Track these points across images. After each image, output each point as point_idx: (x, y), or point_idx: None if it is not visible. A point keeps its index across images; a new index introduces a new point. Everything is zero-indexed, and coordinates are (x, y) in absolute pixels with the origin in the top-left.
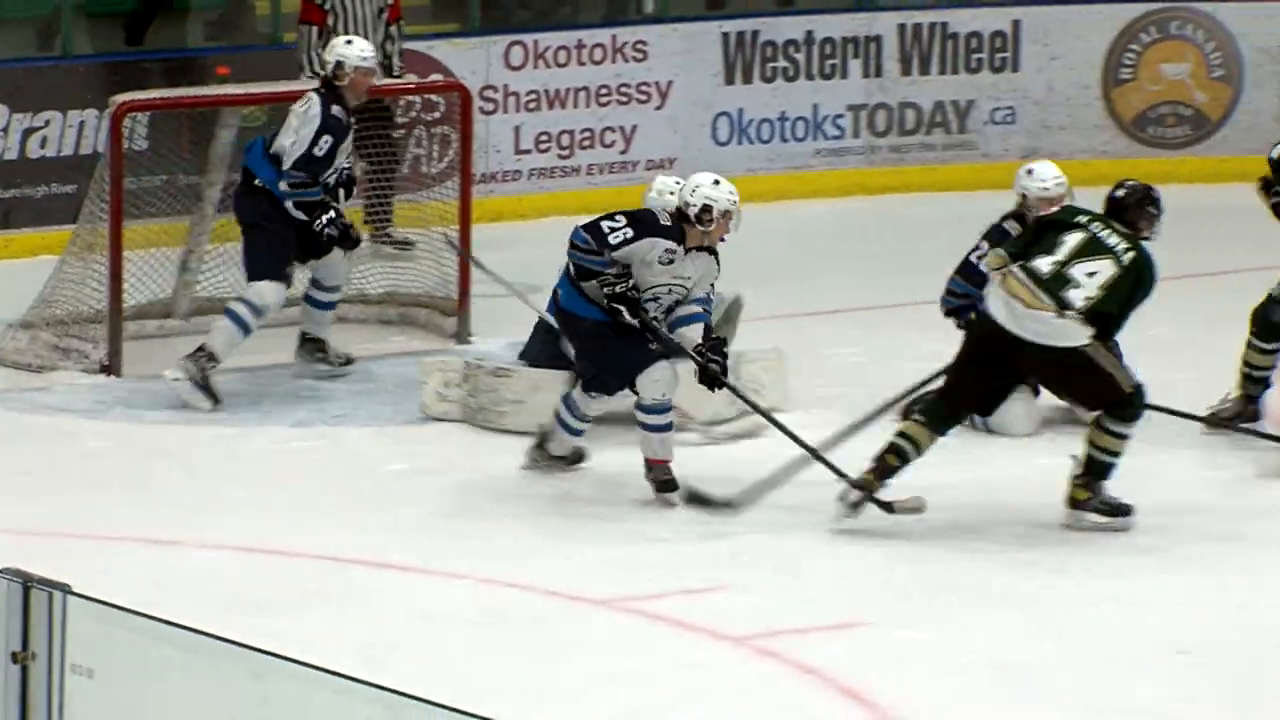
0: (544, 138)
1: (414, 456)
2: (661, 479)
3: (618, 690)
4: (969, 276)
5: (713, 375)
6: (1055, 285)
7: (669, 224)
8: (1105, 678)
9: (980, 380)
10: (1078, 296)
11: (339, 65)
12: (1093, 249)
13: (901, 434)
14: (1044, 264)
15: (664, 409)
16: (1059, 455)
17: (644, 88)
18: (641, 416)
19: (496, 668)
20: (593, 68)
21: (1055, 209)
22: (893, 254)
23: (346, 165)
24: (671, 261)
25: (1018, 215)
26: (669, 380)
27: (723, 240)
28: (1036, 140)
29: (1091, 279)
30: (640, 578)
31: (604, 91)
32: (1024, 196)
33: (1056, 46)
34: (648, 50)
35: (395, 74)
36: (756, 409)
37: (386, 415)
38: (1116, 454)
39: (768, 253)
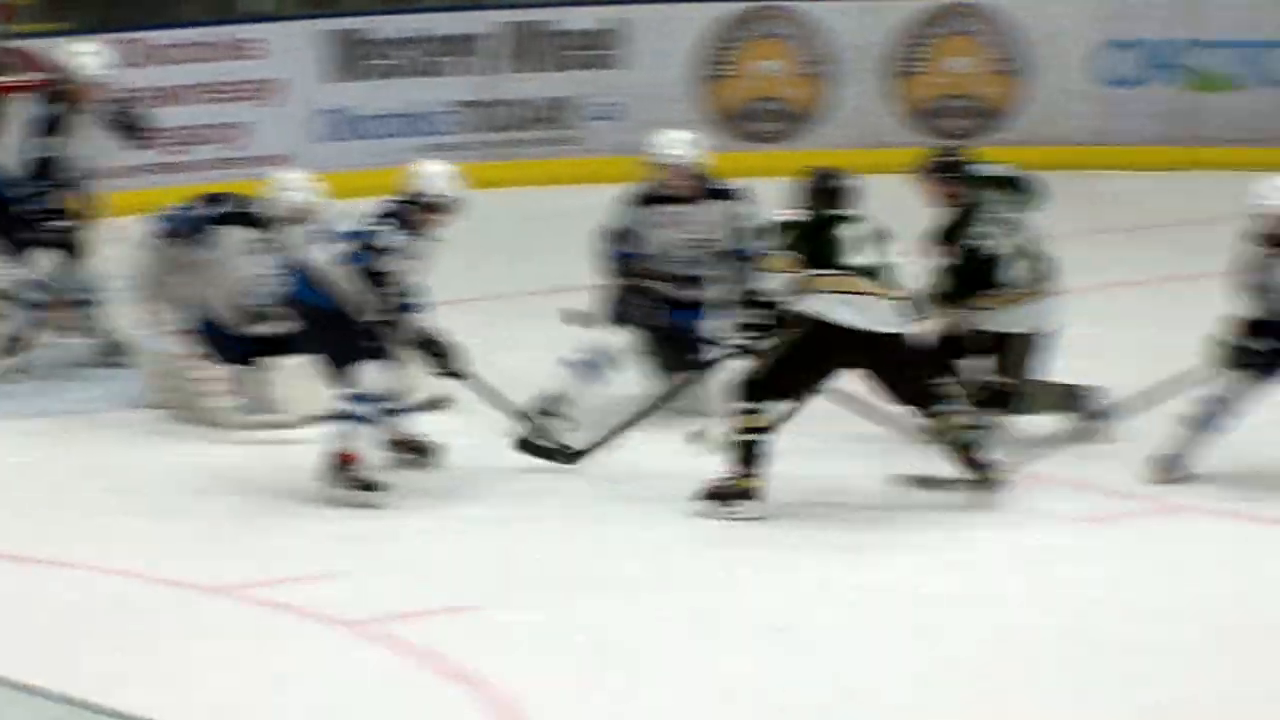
0: (157, 134)
1: (33, 448)
2: (358, 477)
3: (225, 674)
4: (622, 240)
5: (454, 367)
6: (884, 273)
7: (415, 219)
8: (700, 655)
9: (810, 383)
10: (902, 276)
11: (69, 70)
12: (879, 233)
13: (751, 429)
14: (858, 257)
15: (375, 400)
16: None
17: (256, 85)
18: (350, 406)
19: (105, 655)
20: (205, 64)
21: (685, 180)
22: (503, 246)
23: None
24: (412, 255)
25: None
26: (387, 374)
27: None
28: (639, 135)
29: (898, 258)
30: (260, 564)
31: (217, 88)
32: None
33: (657, 44)
34: (259, 48)
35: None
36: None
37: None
38: (969, 425)
39: None
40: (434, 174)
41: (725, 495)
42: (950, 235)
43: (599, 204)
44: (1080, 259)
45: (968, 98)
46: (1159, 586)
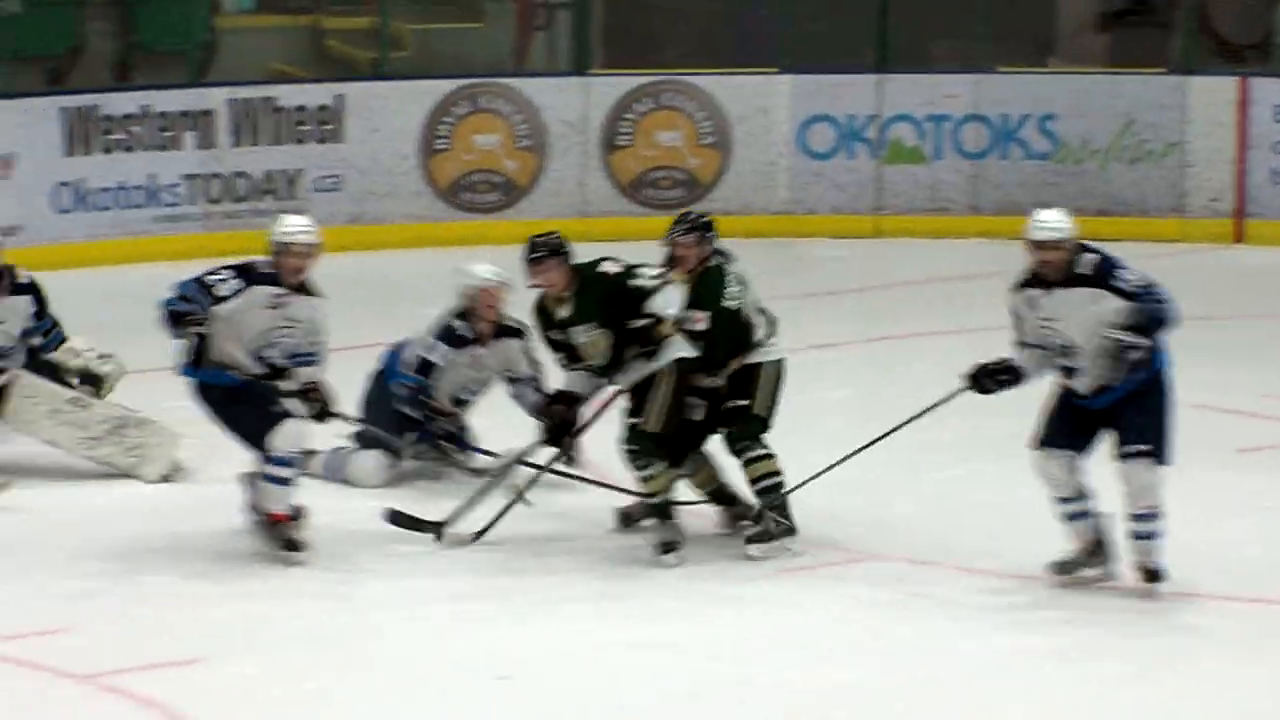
0: None
1: None
2: (285, 536)
3: None
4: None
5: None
6: None
7: (282, 268)
8: (406, 705)
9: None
10: None
11: None
12: None
13: (663, 486)
14: None
15: (291, 462)
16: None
17: None
18: (270, 469)
19: None
20: None
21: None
22: None
23: None
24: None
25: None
26: (301, 435)
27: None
28: (361, 206)
29: None
30: None
31: None
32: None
33: (377, 119)
34: None
35: None
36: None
37: None
38: None
39: (110, 313)
40: (292, 223)
41: (668, 546)
42: (706, 298)
43: (322, 271)
44: (780, 322)
45: (674, 169)
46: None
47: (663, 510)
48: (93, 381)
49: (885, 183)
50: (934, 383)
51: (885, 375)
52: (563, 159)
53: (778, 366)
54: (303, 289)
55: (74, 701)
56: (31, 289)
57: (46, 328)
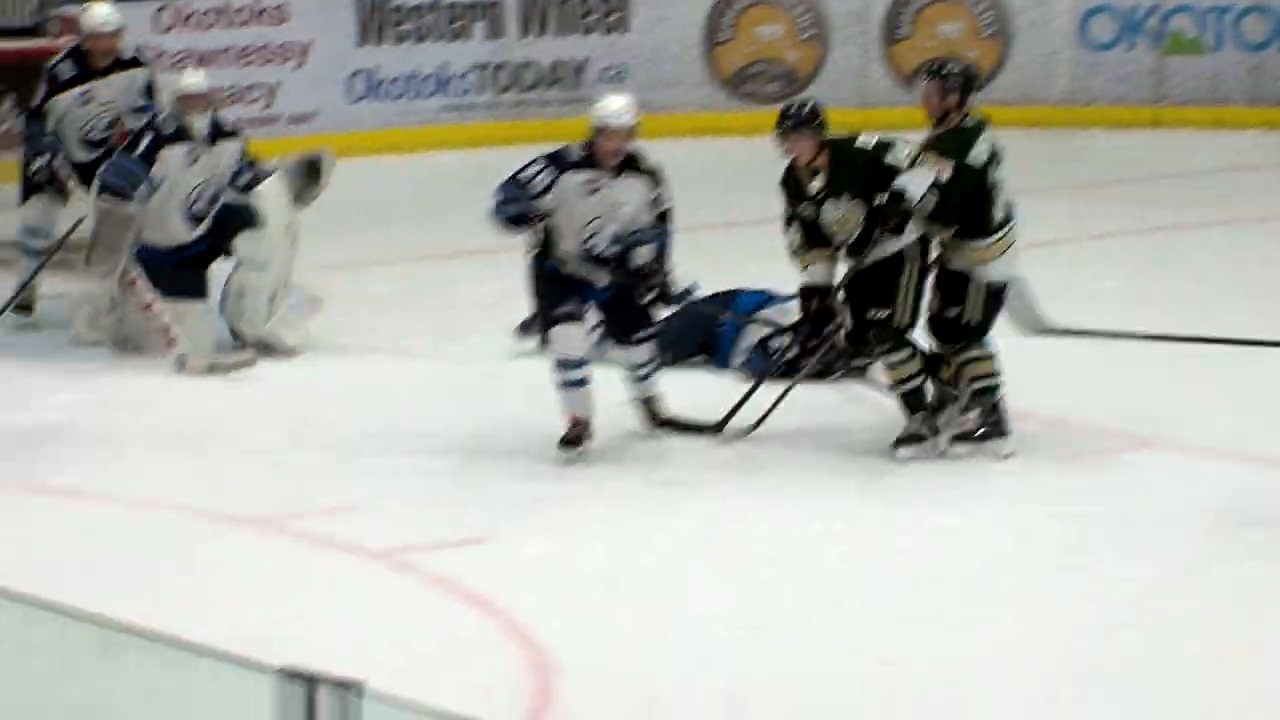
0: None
1: (67, 389)
2: (565, 435)
3: (256, 603)
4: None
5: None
6: None
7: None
8: (685, 587)
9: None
10: None
11: (80, 29)
12: None
13: (914, 374)
14: None
15: (573, 364)
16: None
17: (284, 48)
18: (553, 374)
19: (142, 586)
20: (237, 29)
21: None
22: None
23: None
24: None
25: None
26: (573, 339)
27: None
28: (646, 95)
29: None
30: (282, 498)
31: (248, 51)
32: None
33: (663, 10)
34: (288, 13)
35: (54, 34)
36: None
37: (39, 350)
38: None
39: (402, 199)
40: (609, 103)
41: (908, 439)
42: (949, 150)
43: None
44: (1057, 212)
45: (954, 60)
46: (1137, 523)
47: (910, 400)
48: (314, 170)
49: (1165, 73)
50: (1208, 274)
51: (1158, 266)
52: (844, 50)
53: (995, 289)
54: (629, 166)
55: (365, 577)
56: (236, 135)
57: (249, 167)
